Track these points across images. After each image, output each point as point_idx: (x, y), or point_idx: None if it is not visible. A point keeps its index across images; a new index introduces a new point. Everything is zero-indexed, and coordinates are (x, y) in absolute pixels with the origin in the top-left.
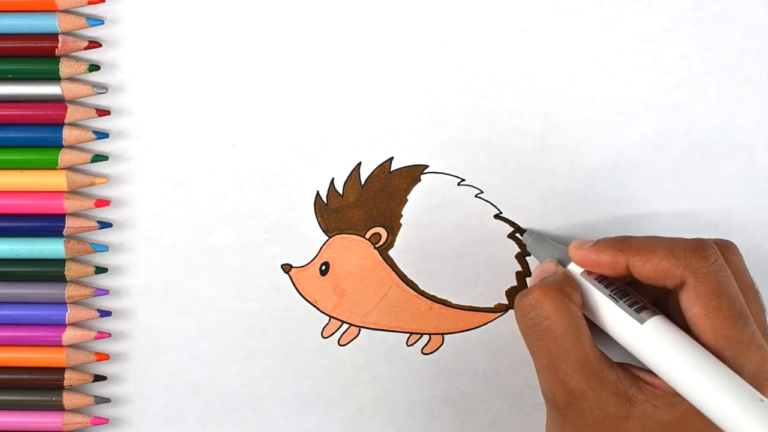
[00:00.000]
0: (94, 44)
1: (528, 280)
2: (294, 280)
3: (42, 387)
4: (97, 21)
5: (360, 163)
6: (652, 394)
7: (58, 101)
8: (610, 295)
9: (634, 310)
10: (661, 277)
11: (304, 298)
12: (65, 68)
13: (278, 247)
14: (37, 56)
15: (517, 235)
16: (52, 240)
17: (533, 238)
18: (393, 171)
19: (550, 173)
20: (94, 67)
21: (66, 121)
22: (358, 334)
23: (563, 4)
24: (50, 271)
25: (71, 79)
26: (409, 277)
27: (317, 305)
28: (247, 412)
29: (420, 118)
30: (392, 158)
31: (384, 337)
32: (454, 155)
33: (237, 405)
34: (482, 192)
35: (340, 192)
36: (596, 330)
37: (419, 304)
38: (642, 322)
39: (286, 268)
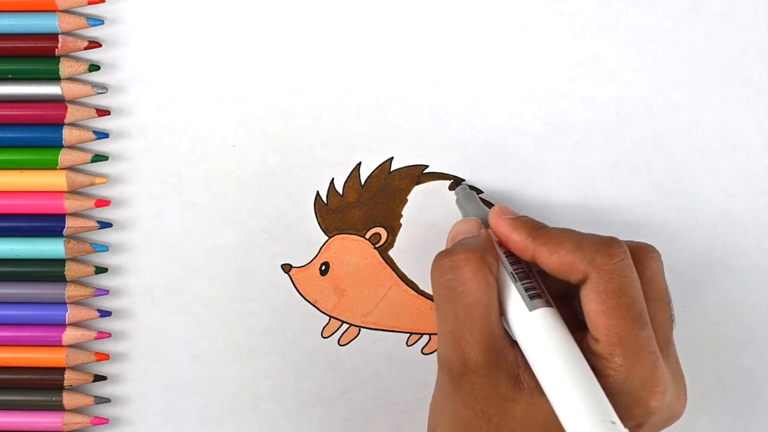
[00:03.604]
0: (94, 44)
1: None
2: (294, 280)
3: (42, 387)
4: (97, 21)
5: (360, 163)
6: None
7: (58, 101)
8: (511, 273)
9: (529, 295)
10: (565, 270)
11: (304, 298)
12: (65, 68)
13: (278, 247)
14: (37, 56)
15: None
16: (52, 240)
17: (464, 194)
18: (393, 171)
19: (550, 173)
20: (94, 67)
21: (66, 121)
22: (358, 334)
23: (563, 4)
24: (50, 271)
25: (71, 79)
26: (409, 277)
27: (317, 305)
28: (247, 412)
29: (420, 118)
30: (392, 158)
31: (384, 337)
32: (454, 155)
33: (237, 405)
34: (482, 192)
35: (340, 192)
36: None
37: (419, 304)
38: (531, 309)
39: (286, 268)
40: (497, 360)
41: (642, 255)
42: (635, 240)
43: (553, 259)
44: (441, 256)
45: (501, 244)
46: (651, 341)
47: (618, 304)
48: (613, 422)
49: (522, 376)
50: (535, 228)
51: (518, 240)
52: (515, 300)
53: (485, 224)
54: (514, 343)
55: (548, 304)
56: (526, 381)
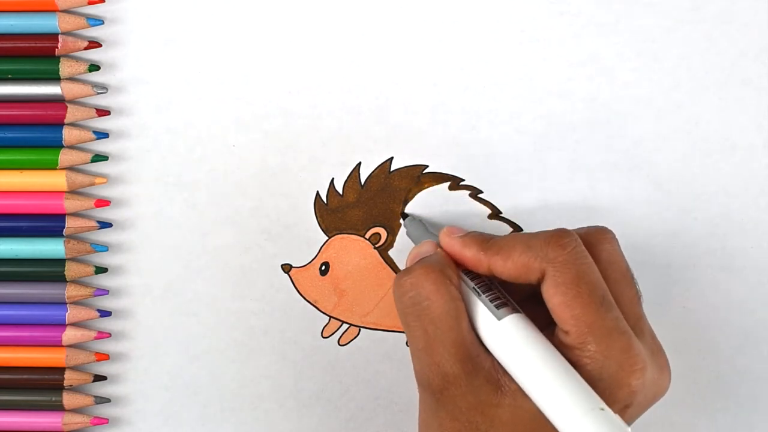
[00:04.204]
0: (94, 44)
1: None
2: (294, 280)
3: (42, 387)
4: (97, 21)
5: (360, 163)
6: None
7: (58, 101)
8: (473, 288)
9: (495, 305)
10: (522, 273)
11: (304, 298)
12: (65, 68)
13: (278, 247)
14: (37, 56)
15: (401, 221)
16: (52, 240)
17: (413, 224)
18: (393, 171)
19: (550, 173)
20: (94, 67)
21: (66, 121)
22: (358, 334)
23: (563, 4)
24: (50, 271)
25: (71, 79)
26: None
27: (317, 305)
28: (247, 412)
29: (420, 118)
30: (392, 158)
31: (384, 337)
32: (454, 155)
33: (237, 405)
34: (482, 192)
35: (340, 192)
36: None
37: None
38: (500, 318)
39: (286, 268)
40: (474, 369)
41: (595, 238)
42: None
43: (508, 266)
44: (401, 275)
45: (457, 263)
46: (620, 322)
47: (579, 292)
48: (602, 408)
49: (502, 380)
50: (484, 240)
51: (471, 255)
52: (483, 313)
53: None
54: (488, 350)
55: (515, 310)
56: (506, 384)
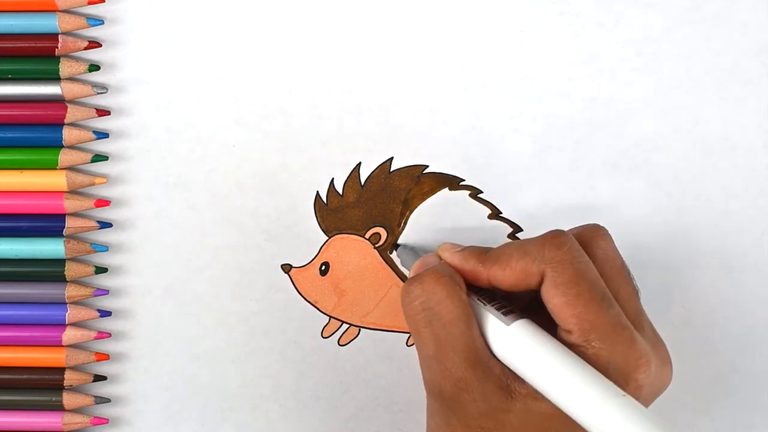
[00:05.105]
0: (94, 44)
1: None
2: (294, 280)
3: (42, 387)
4: (97, 21)
5: (360, 163)
6: (533, 388)
7: (58, 101)
8: (477, 300)
9: (502, 313)
10: (522, 279)
11: (304, 298)
12: (65, 68)
13: (278, 247)
14: (37, 56)
15: (394, 253)
16: (52, 240)
17: (405, 252)
18: (393, 171)
19: (550, 173)
20: (94, 67)
21: (66, 121)
22: (358, 334)
23: (563, 4)
24: (50, 271)
25: (71, 79)
26: (409, 277)
27: (317, 305)
28: (247, 412)
29: (420, 118)
30: (392, 158)
31: (384, 337)
32: (454, 155)
33: (237, 405)
34: (482, 192)
35: (340, 192)
36: None
37: None
38: (508, 324)
39: (286, 268)
40: (485, 374)
41: (589, 236)
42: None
43: (507, 274)
44: (410, 282)
45: None
46: (621, 317)
47: (579, 291)
48: (624, 395)
49: (512, 386)
50: (482, 252)
51: (469, 268)
52: (491, 321)
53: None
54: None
55: (521, 316)
56: (517, 390)
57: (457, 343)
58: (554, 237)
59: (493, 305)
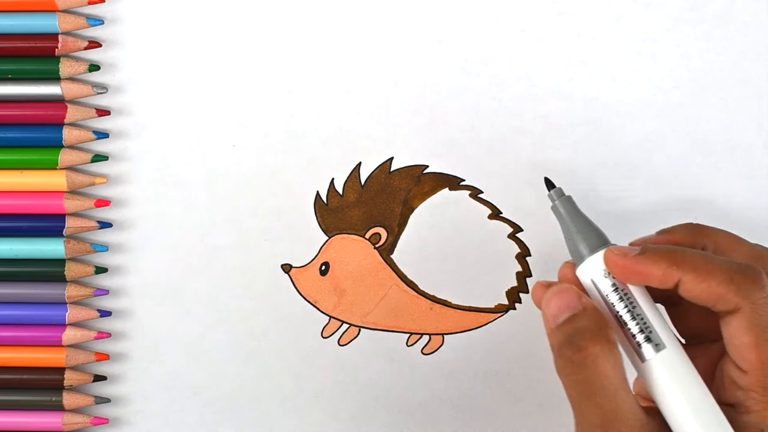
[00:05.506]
0: (94, 44)
1: (540, 285)
2: (294, 280)
3: (42, 387)
4: (97, 21)
5: (360, 163)
6: None
7: (58, 101)
8: (618, 314)
9: (636, 341)
10: (713, 300)
11: (304, 298)
12: (65, 68)
13: (278, 247)
14: (37, 56)
15: (551, 192)
16: (52, 240)
17: (562, 201)
18: (393, 171)
19: (550, 173)
20: (94, 67)
21: (66, 121)
22: (358, 334)
23: (563, 4)
24: (50, 271)
25: (71, 79)
26: (409, 277)
27: (317, 305)
28: (247, 412)
29: (420, 118)
30: (392, 158)
31: (384, 337)
32: (454, 155)
33: (237, 405)
34: (482, 192)
35: (340, 192)
36: None
37: (419, 304)
38: (643, 360)
39: (286, 268)
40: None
41: None
42: None
43: (701, 288)
44: (565, 349)
45: (619, 283)
46: None
47: None
48: None
49: None
50: (674, 254)
51: (660, 272)
52: (626, 347)
53: (601, 239)
54: (651, 410)
55: (659, 347)
56: None
57: (623, 414)
58: (759, 276)
59: (636, 324)
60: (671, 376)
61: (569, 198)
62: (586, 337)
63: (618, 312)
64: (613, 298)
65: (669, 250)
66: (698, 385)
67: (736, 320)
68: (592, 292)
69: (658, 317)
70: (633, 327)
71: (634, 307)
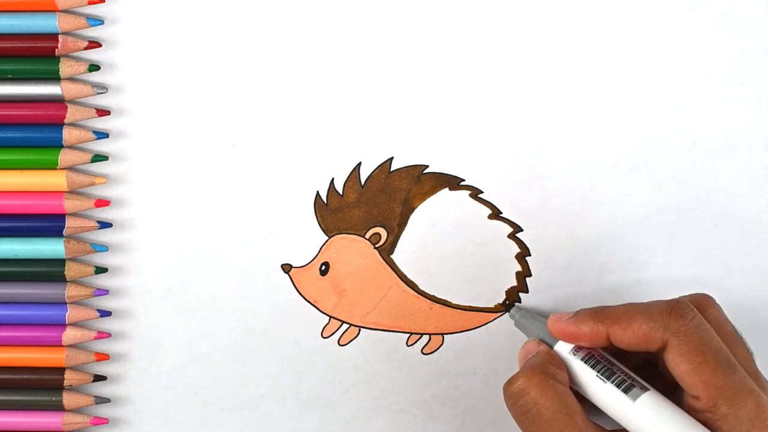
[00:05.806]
0: (94, 44)
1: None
2: (294, 280)
3: (42, 387)
4: (97, 21)
5: (360, 163)
6: None
7: (58, 101)
8: (597, 375)
9: (623, 389)
10: (642, 342)
11: (304, 298)
12: (65, 68)
13: (278, 247)
14: (37, 56)
15: (508, 313)
16: (52, 240)
17: (520, 314)
18: (393, 171)
19: (550, 173)
20: (94, 67)
21: (66, 121)
22: (358, 334)
23: (563, 4)
24: (50, 271)
25: (71, 79)
26: (409, 277)
27: (317, 305)
28: (247, 412)
29: (420, 118)
30: (392, 158)
31: (384, 337)
32: (454, 155)
33: (237, 405)
34: (482, 192)
35: (340, 192)
36: (588, 402)
37: (419, 304)
38: (633, 400)
39: (286, 268)
40: None
41: (701, 304)
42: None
43: (628, 335)
44: (507, 385)
45: (577, 351)
46: (746, 380)
47: (705, 358)
48: None
49: None
50: (598, 312)
51: (588, 330)
52: (614, 398)
53: (546, 341)
54: None
55: (645, 389)
56: None
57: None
58: (678, 308)
59: (613, 381)
60: (661, 411)
61: (524, 310)
62: (522, 372)
63: (597, 372)
64: (591, 362)
65: (594, 311)
66: (685, 415)
67: (671, 353)
68: (574, 363)
69: (632, 371)
70: (615, 379)
71: (612, 365)
